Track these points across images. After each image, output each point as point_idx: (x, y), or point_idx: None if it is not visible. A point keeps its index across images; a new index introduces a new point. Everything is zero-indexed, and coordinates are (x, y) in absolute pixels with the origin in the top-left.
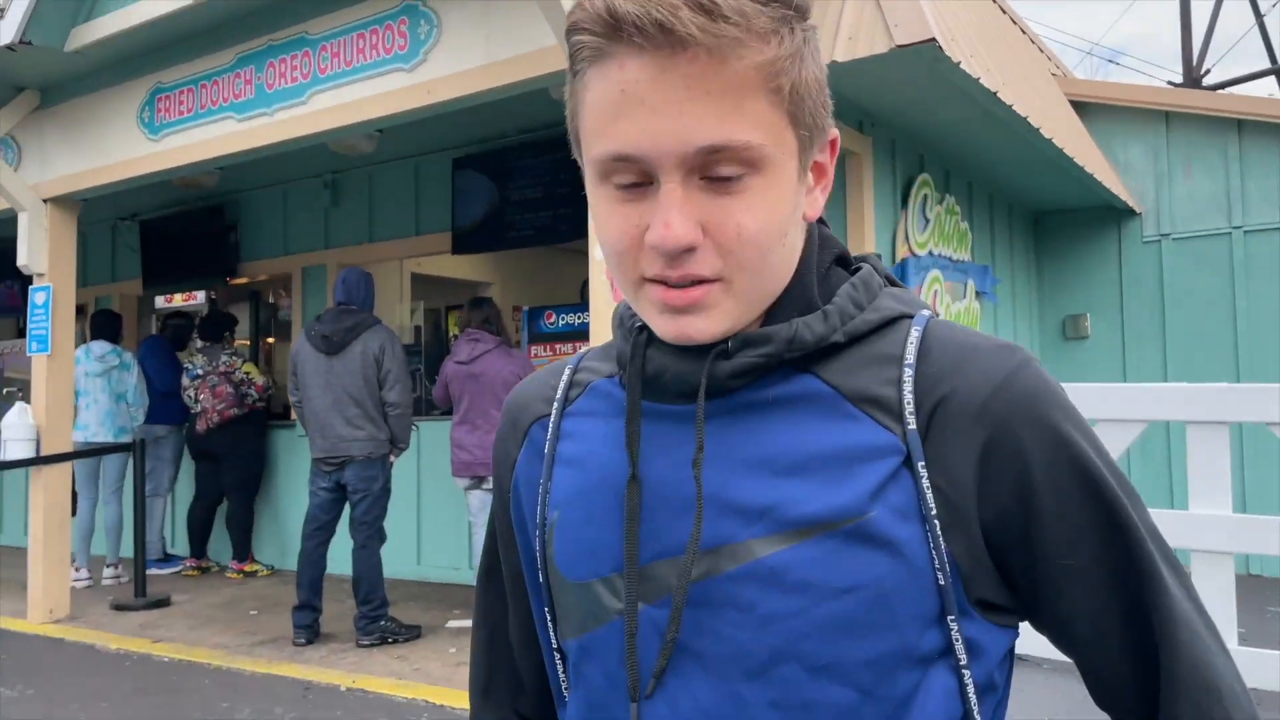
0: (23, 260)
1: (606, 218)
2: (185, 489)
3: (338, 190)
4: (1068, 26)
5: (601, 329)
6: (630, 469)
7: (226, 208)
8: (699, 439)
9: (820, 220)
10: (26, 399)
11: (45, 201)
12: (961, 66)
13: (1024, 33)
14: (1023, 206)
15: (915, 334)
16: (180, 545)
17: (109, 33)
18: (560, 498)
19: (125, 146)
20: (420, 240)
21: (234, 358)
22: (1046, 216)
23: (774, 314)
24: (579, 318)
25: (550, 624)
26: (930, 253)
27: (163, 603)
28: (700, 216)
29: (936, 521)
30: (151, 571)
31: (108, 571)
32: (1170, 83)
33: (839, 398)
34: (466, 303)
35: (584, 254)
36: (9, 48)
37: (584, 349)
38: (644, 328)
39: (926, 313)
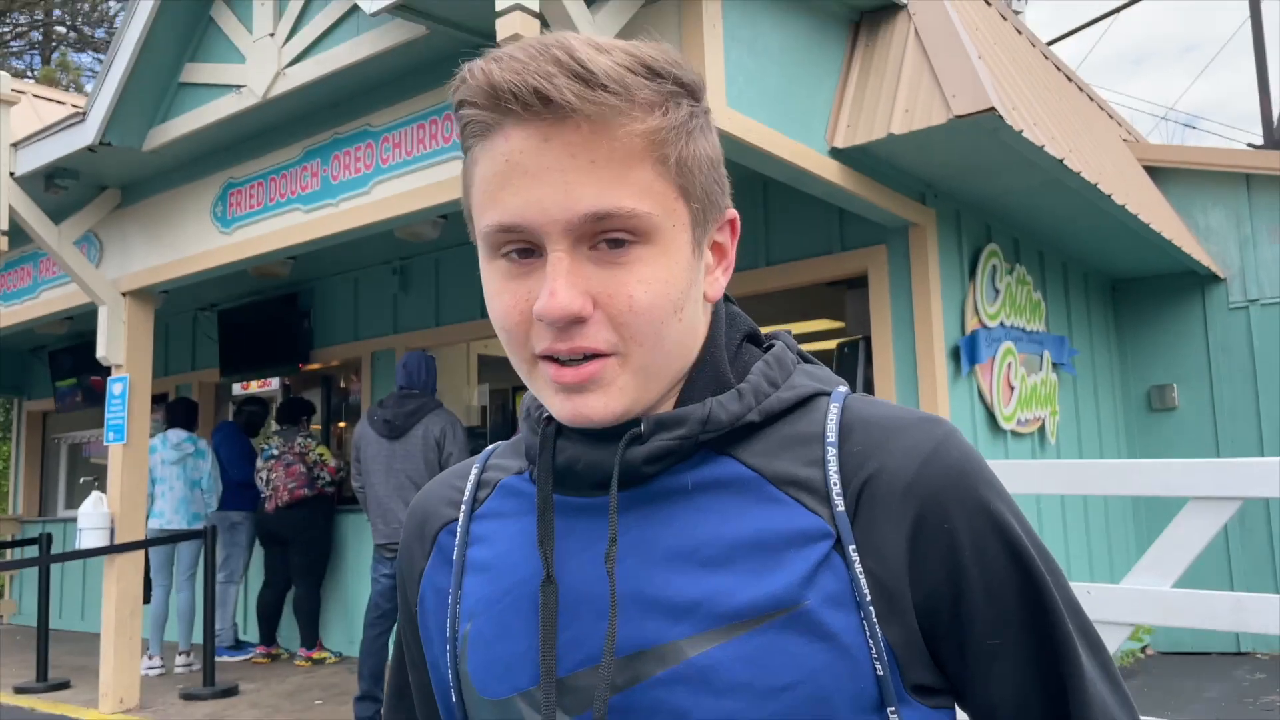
0: (101, 352)
1: (496, 293)
2: (255, 574)
3: (406, 276)
4: (1141, 93)
5: None
6: (545, 570)
7: (300, 295)
8: (612, 530)
9: (727, 298)
10: (103, 487)
11: (124, 295)
12: (1024, 134)
13: (1092, 99)
14: (1099, 274)
15: (834, 411)
16: (251, 632)
17: (184, 132)
18: (471, 607)
19: (200, 240)
20: (485, 323)
21: (308, 440)
22: (1125, 284)
23: (686, 395)
24: None
25: None
26: (1002, 324)
27: (231, 691)
28: (589, 287)
29: (871, 608)
30: (223, 659)
31: (180, 659)
32: (1251, 145)
33: (761, 481)
34: None
35: None
36: (90, 149)
37: (492, 445)
38: (551, 417)
39: (844, 389)
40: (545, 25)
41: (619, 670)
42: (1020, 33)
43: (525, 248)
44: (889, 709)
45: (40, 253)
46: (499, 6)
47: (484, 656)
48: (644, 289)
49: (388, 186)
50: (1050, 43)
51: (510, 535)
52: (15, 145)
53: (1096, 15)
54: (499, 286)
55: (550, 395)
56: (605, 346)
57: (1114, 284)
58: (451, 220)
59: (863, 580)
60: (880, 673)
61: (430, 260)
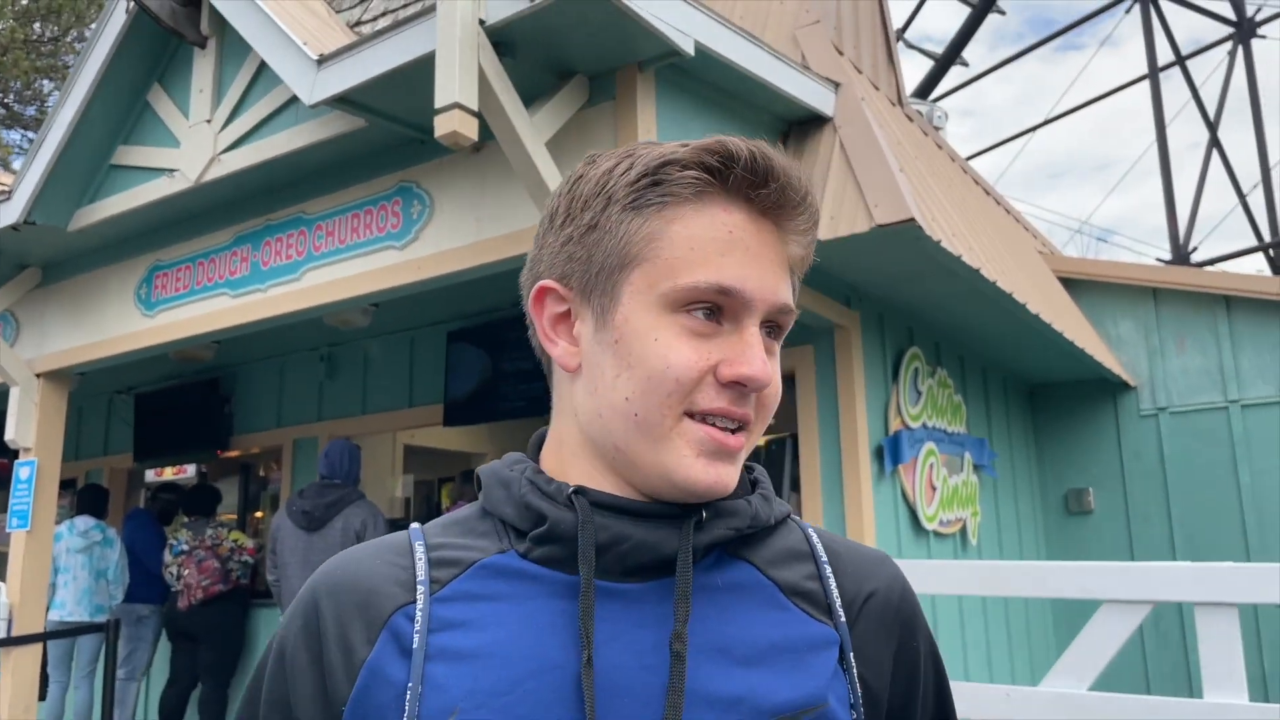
0: (10, 434)
1: (673, 346)
2: (158, 671)
3: (333, 363)
4: (1057, 206)
5: None
6: (585, 653)
7: (222, 381)
8: (682, 612)
9: None
10: (1, 576)
11: (38, 376)
12: (942, 244)
13: (1009, 212)
14: (1017, 379)
15: (813, 534)
16: None
17: (112, 213)
18: (453, 701)
19: (121, 322)
20: (413, 413)
21: (220, 529)
22: (1042, 389)
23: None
24: None
25: None
26: (924, 425)
27: None
28: None
29: (863, 710)
30: None
31: None
32: (1160, 260)
33: (774, 588)
34: (458, 475)
35: None
36: (13, 228)
37: (415, 524)
38: (578, 490)
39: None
40: (484, 123)
41: None
42: (941, 148)
43: (712, 309)
44: None
45: None
46: (438, 104)
47: None
48: (778, 378)
49: (320, 274)
50: (970, 158)
51: (512, 620)
52: None
53: (1014, 133)
54: (677, 340)
55: (690, 457)
56: (750, 418)
57: (1031, 389)
58: (382, 309)
59: (858, 685)
60: None
61: (358, 348)
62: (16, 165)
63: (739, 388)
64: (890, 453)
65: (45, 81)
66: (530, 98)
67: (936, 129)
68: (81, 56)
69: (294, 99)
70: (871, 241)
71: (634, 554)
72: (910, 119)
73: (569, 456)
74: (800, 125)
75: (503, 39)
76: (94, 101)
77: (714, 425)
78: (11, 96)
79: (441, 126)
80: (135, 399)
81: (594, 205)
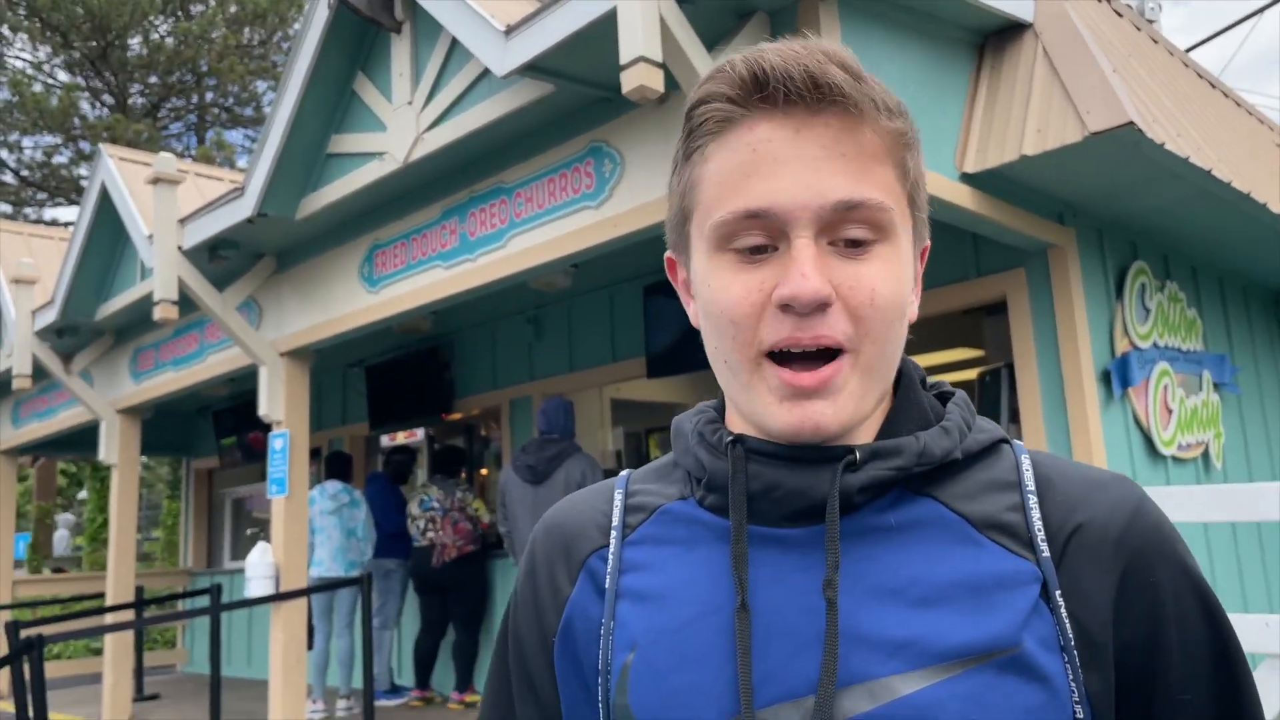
0: (263, 410)
1: (726, 285)
2: (409, 620)
3: (540, 324)
4: None
5: None
6: (739, 597)
7: (441, 348)
8: (832, 559)
9: None
10: (267, 538)
11: (282, 355)
12: (1166, 146)
13: (1239, 105)
14: (1259, 287)
15: (1026, 461)
16: (407, 676)
17: (332, 200)
18: (634, 637)
19: (349, 300)
20: (617, 367)
21: (466, 494)
22: None
23: (890, 428)
24: None
25: None
26: (1155, 344)
27: None
28: (832, 278)
29: (1075, 654)
30: (381, 703)
31: (341, 704)
32: None
33: (963, 523)
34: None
35: None
36: (249, 220)
37: (626, 471)
38: (736, 440)
39: (1019, 441)
40: (669, 75)
41: (822, 705)
42: (1156, 42)
43: (758, 245)
44: None
45: (204, 319)
46: (623, 60)
47: (654, 690)
48: (884, 284)
49: (522, 239)
50: (1189, 49)
51: (685, 563)
52: (182, 221)
53: (1238, 18)
54: (728, 277)
55: (772, 404)
56: (843, 339)
57: (1277, 296)
58: (582, 268)
59: (1068, 626)
60: (1080, 717)
61: (563, 308)
62: (240, 163)
63: (791, 311)
64: (1118, 376)
65: (259, 83)
66: (711, 42)
67: (1150, 22)
68: (290, 57)
69: (485, 72)
70: (1086, 151)
71: (788, 500)
72: (1119, 14)
73: (729, 406)
74: (997, 36)
75: None
76: (306, 97)
77: (789, 364)
78: (230, 99)
79: (628, 82)
80: (366, 371)
81: (674, 168)
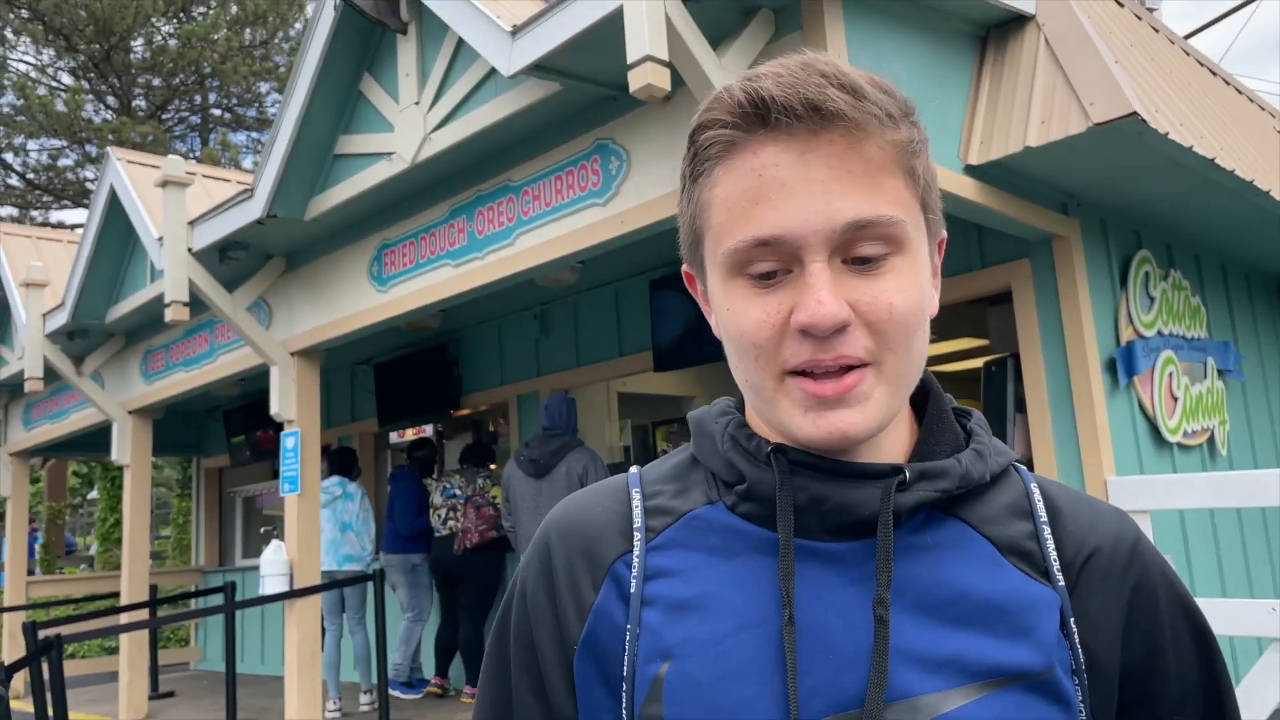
0: (274, 409)
1: (743, 310)
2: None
3: (546, 320)
4: None
5: None
6: (787, 610)
7: (448, 345)
8: (886, 575)
9: None
10: (278, 536)
11: (292, 355)
12: (1170, 136)
13: (1240, 92)
14: (1261, 274)
15: (1036, 489)
16: (430, 670)
17: (340, 200)
18: (667, 646)
19: (358, 299)
20: (623, 361)
21: (487, 480)
22: None
23: (927, 447)
24: None
25: None
26: (1160, 333)
27: None
28: (848, 297)
29: (1085, 677)
30: (401, 696)
31: (364, 698)
32: None
33: (991, 546)
34: (676, 422)
35: None
36: (258, 222)
37: (634, 469)
38: (777, 449)
39: (1022, 465)
40: (675, 73)
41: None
42: (1157, 31)
43: (771, 270)
44: None
45: (215, 320)
46: (630, 58)
47: (696, 701)
48: (901, 296)
49: (529, 237)
50: (1188, 36)
51: (721, 573)
52: (192, 223)
53: (1236, 3)
54: (745, 303)
55: (798, 414)
56: (865, 354)
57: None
58: (588, 264)
59: (1080, 651)
60: None
61: (569, 304)
62: (245, 164)
63: (811, 335)
64: (1124, 364)
65: (262, 84)
66: (717, 39)
67: (1150, 11)
68: (297, 59)
69: (491, 72)
70: (1089, 142)
71: (835, 515)
72: (1120, 4)
73: (749, 409)
74: (999, 28)
75: None
76: (314, 98)
77: (810, 375)
78: (234, 100)
79: (635, 80)
80: (374, 369)
81: (682, 187)
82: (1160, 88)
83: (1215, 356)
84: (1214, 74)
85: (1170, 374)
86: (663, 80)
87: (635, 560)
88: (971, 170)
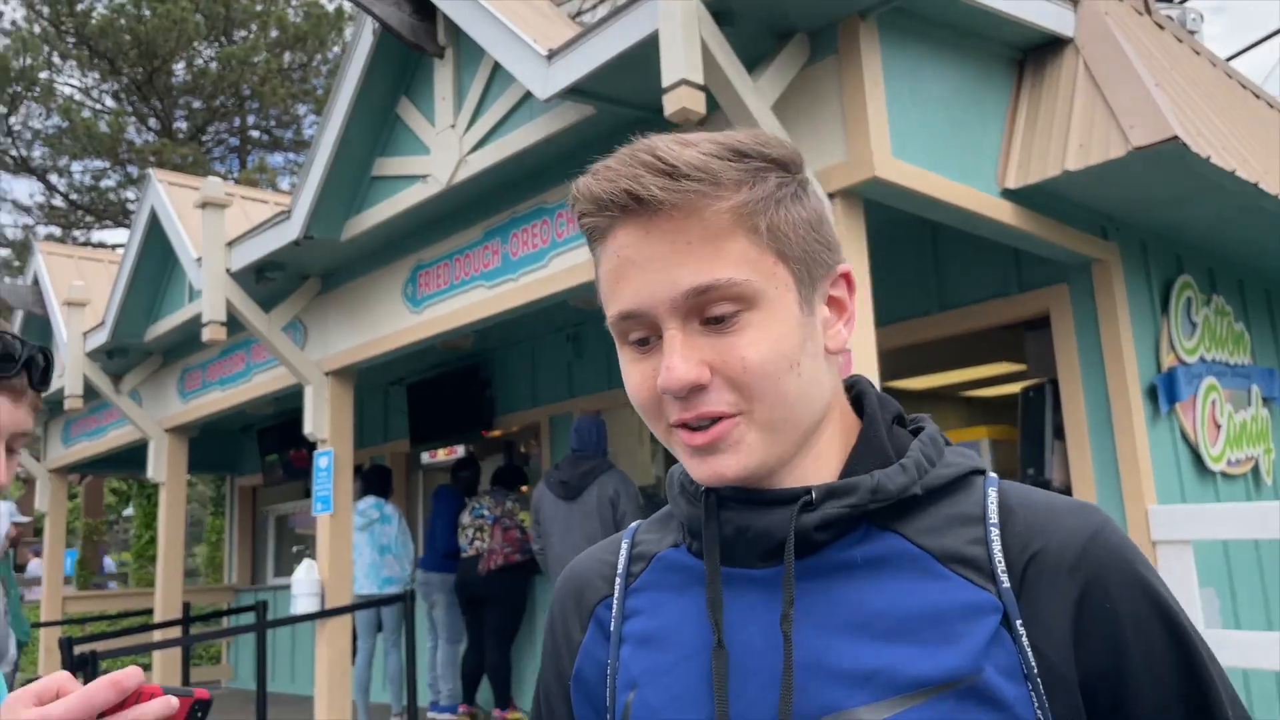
0: (308, 428)
1: (629, 374)
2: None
3: (579, 342)
4: None
5: None
6: (715, 636)
7: (481, 366)
8: (788, 594)
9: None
10: (310, 555)
11: (326, 375)
12: (1212, 160)
13: None
14: None
15: (993, 494)
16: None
17: (376, 222)
18: (633, 677)
19: (393, 320)
20: None
21: (516, 503)
22: None
23: (850, 468)
24: None
25: None
26: (1202, 359)
27: None
28: (705, 357)
29: (1040, 681)
30: (433, 717)
31: None
32: None
33: (928, 557)
34: None
35: None
36: (295, 243)
37: (636, 522)
38: (709, 488)
39: (993, 473)
40: (710, 97)
41: None
42: (1198, 53)
43: (644, 337)
44: None
45: (250, 339)
46: (665, 82)
47: None
48: (755, 349)
49: (563, 259)
50: (1230, 59)
51: (677, 607)
52: (230, 244)
53: (1278, 25)
54: (629, 368)
55: (687, 460)
56: (728, 408)
57: None
58: None
59: (1030, 654)
60: None
61: (601, 326)
62: (283, 185)
63: (674, 396)
64: (1165, 391)
65: (300, 106)
66: (752, 63)
67: (1191, 33)
68: (336, 82)
69: (527, 95)
70: (1129, 166)
71: (759, 541)
72: (1161, 26)
73: None
74: (1037, 51)
75: (721, 8)
76: (352, 121)
77: (688, 428)
78: (272, 122)
79: (670, 104)
80: (407, 389)
81: None
82: (1202, 111)
83: (1260, 384)
84: (1257, 97)
85: (1213, 401)
86: (698, 104)
87: (615, 603)
88: (1009, 194)
